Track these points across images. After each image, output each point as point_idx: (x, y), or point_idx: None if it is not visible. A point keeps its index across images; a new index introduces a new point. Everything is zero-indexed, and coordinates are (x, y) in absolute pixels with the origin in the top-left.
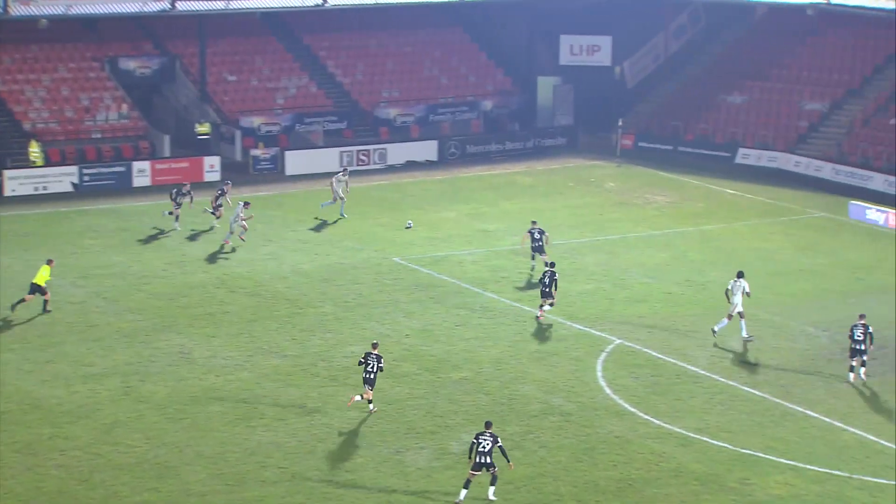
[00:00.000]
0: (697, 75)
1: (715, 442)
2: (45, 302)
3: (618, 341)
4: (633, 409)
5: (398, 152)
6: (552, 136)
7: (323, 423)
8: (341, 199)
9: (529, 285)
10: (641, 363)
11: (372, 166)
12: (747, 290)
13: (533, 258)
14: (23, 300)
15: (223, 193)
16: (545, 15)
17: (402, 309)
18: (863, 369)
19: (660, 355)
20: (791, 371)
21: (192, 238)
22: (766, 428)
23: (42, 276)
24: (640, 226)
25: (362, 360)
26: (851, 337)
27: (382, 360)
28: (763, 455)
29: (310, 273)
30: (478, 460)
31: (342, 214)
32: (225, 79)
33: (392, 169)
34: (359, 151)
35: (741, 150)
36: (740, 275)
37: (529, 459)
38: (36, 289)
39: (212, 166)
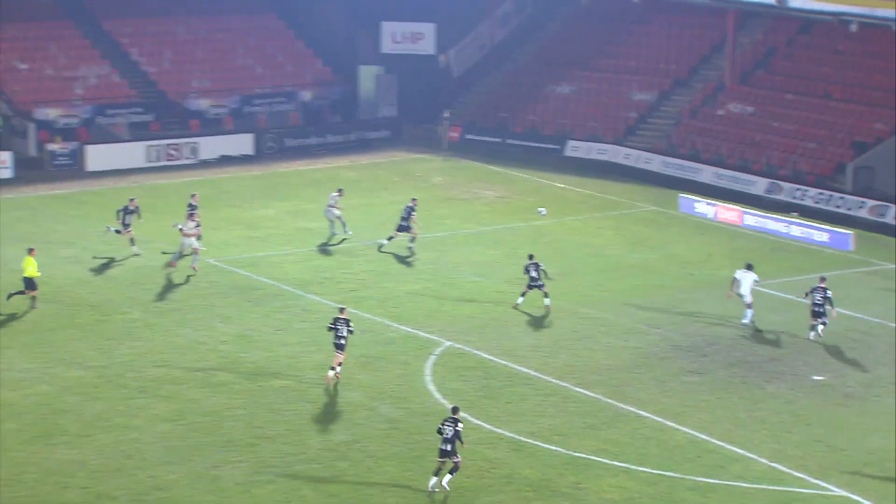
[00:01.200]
0: (524, 65)
1: (547, 446)
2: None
3: (447, 343)
4: (463, 415)
5: (211, 146)
6: (376, 129)
7: (132, 437)
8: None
9: (358, 286)
10: (472, 366)
11: (183, 161)
12: (756, 279)
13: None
14: (22, 292)
15: (194, 209)
16: (365, 0)
17: (218, 314)
18: (821, 327)
19: (491, 357)
20: (623, 370)
21: None
22: (599, 430)
23: (31, 270)
24: (469, 222)
25: (332, 326)
26: (812, 300)
27: (351, 324)
28: (596, 458)
29: (116, 277)
30: (441, 447)
31: (346, 232)
32: (16, 67)
33: (205, 164)
34: (168, 146)
35: (570, 143)
36: (749, 266)
37: (356, 470)
38: (30, 283)
39: (3, 162)
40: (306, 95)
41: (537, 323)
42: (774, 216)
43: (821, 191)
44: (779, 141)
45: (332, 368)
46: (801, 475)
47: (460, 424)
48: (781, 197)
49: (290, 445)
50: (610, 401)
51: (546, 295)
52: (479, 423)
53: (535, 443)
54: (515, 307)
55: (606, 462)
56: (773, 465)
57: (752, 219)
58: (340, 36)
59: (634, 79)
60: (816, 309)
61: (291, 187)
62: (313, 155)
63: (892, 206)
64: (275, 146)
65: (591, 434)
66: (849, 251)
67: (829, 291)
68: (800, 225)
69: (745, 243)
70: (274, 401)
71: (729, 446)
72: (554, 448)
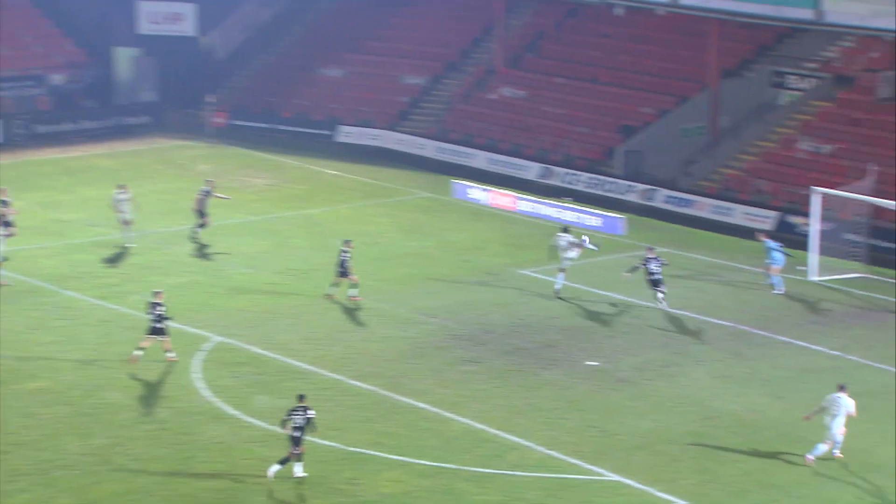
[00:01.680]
0: (292, 47)
1: (322, 441)
2: None
3: (217, 338)
4: (235, 412)
5: None
6: (135, 114)
7: None
8: None
9: (121, 280)
10: (243, 361)
11: None
12: (575, 240)
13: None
14: None
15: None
16: None
17: None
18: (661, 295)
19: (263, 351)
20: (400, 361)
21: None
22: (376, 423)
23: None
24: (237, 211)
25: (150, 312)
26: (648, 270)
27: (164, 308)
28: (372, 452)
29: None
30: (292, 435)
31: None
32: None
33: None
34: None
35: (342, 128)
36: (565, 229)
37: (119, 475)
38: None
39: None
40: (57, 79)
41: (311, 315)
42: (548, 201)
43: (592, 175)
44: (550, 125)
45: (168, 352)
46: (576, 461)
47: (311, 411)
48: (554, 182)
49: (45, 451)
50: (387, 393)
51: (353, 285)
52: (251, 420)
53: (310, 438)
54: (329, 297)
55: (383, 456)
56: (549, 452)
57: (527, 204)
58: (93, 15)
59: (406, 62)
60: (653, 278)
61: (43, 177)
62: (67, 142)
63: (661, 189)
64: (24, 133)
65: (367, 428)
66: (620, 235)
67: (663, 259)
68: (573, 210)
69: (521, 229)
70: (28, 404)
71: (506, 435)
72: (329, 443)
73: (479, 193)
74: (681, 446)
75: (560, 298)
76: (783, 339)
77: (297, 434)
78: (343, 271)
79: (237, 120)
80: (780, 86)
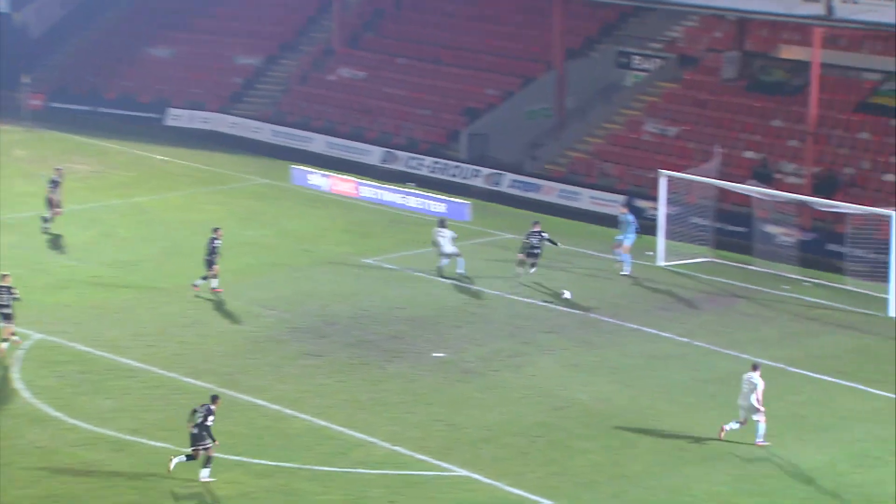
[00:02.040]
0: (115, 24)
1: (154, 443)
2: None
3: (38, 336)
4: (58, 414)
5: None
6: None
7: None
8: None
9: None
10: (67, 359)
11: None
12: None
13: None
14: None
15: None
16: None
17: None
18: (533, 269)
19: (89, 349)
20: (237, 356)
21: None
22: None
23: None
24: None
25: None
26: (529, 243)
27: (16, 291)
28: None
29: None
30: (191, 432)
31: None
32: None
33: None
34: None
35: (171, 111)
36: (442, 223)
37: None
38: None
39: None
40: None
41: (142, 309)
42: (391, 187)
43: (436, 159)
44: (392, 108)
45: (5, 340)
46: (423, 457)
47: (211, 418)
48: (397, 166)
49: None
50: (223, 390)
51: (207, 277)
52: (76, 422)
53: (140, 440)
54: (212, 290)
55: (220, 456)
56: (395, 447)
57: (369, 190)
58: None
59: (238, 41)
60: (532, 251)
61: None
62: None
63: (507, 174)
64: None
65: None
66: (466, 221)
67: (545, 234)
68: (417, 196)
69: (363, 216)
70: None
71: (350, 431)
72: (161, 444)
73: (318, 179)
74: (529, 438)
75: (447, 278)
76: (632, 325)
77: (194, 431)
78: (211, 260)
79: (56, 102)
80: (626, 66)
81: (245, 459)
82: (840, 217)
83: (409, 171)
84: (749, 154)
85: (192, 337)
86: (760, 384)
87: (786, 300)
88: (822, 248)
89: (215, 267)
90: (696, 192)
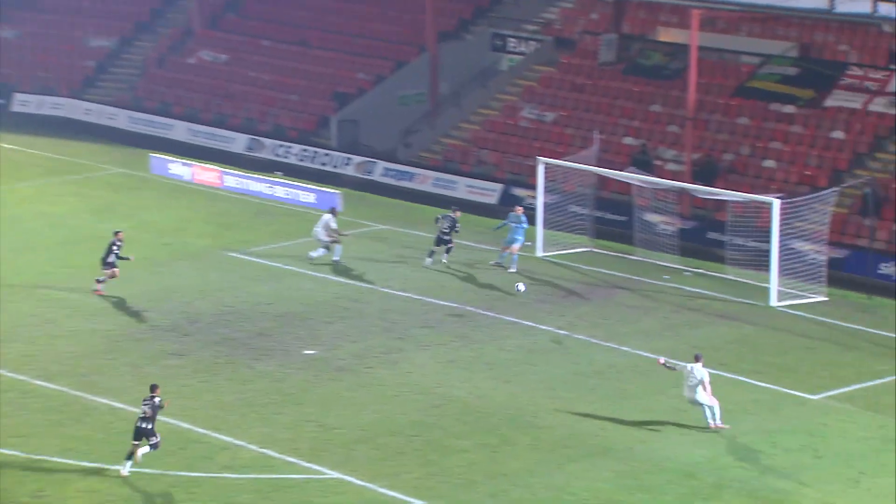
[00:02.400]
0: None
1: (2, 450)
2: None
3: None
4: None
5: None
6: None
7: None
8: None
9: None
10: None
11: None
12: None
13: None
14: None
15: None
16: None
17: None
18: (446, 255)
19: None
20: (93, 357)
21: None
22: (66, 427)
23: None
24: None
25: None
26: (440, 228)
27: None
28: (62, 459)
29: None
30: (137, 424)
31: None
32: None
33: None
34: None
35: (17, 96)
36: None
37: None
38: None
39: None
40: None
41: None
42: (257, 176)
43: (305, 147)
44: (257, 92)
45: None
46: (293, 459)
47: (159, 404)
48: (264, 155)
49: None
50: (78, 393)
51: (103, 278)
52: None
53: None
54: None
55: (74, 463)
56: (263, 450)
57: (233, 180)
58: None
59: (89, 22)
60: (443, 236)
61: None
62: None
63: (380, 162)
64: None
65: (55, 432)
66: (337, 212)
67: (456, 220)
68: (284, 185)
69: (227, 207)
70: None
71: (215, 434)
72: (10, 452)
73: (179, 168)
74: (405, 438)
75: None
76: (510, 319)
77: (140, 424)
78: (109, 262)
79: None
80: (501, 49)
81: (101, 465)
82: (721, 205)
83: (275, 159)
84: (628, 140)
85: (42, 337)
86: (705, 375)
87: (666, 290)
88: (703, 237)
89: (114, 269)
90: (575, 180)
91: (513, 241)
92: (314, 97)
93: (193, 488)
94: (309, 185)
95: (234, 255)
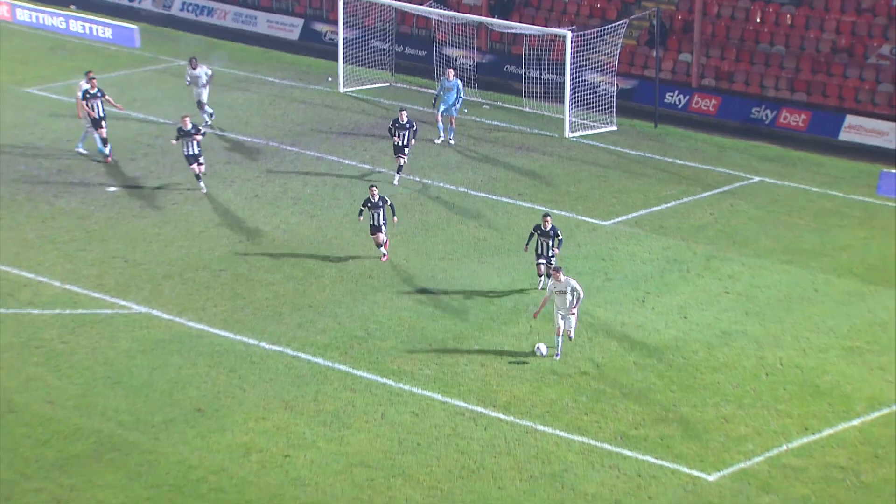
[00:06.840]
0: None
1: None
2: None
3: None
4: None
5: None
6: None
7: None
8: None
9: None
10: None
11: None
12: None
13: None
14: None
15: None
16: None
17: None
18: (400, 172)
19: None
20: None
21: None
22: None
23: None
24: None
25: None
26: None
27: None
28: None
29: None
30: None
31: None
32: None
33: None
34: None
35: None
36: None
37: None
38: None
39: None
40: None
41: None
42: (50, 10)
43: None
44: None
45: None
46: (98, 295)
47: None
48: None
49: None
50: None
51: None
52: None
53: None
54: None
55: None
56: (68, 286)
57: (25, 13)
58: None
59: None
60: (400, 149)
61: None
62: None
63: None
64: None
65: None
66: (135, 48)
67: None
68: (79, 20)
69: (21, 42)
70: None
71: (17, 271)
72: None
73: None
74: (212, 272)
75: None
76: (314, 154)
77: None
78: None
79: None
80: None
81: None
82: (517, 38)
83: None
84: None
85: None
86: (578, 289)
87: (466, 123)
88: (500, 70)
89: None
90: (375, 15)
91: (447, 110)
92: None
93: None
94: (105, 20)
95: (30, 90)
